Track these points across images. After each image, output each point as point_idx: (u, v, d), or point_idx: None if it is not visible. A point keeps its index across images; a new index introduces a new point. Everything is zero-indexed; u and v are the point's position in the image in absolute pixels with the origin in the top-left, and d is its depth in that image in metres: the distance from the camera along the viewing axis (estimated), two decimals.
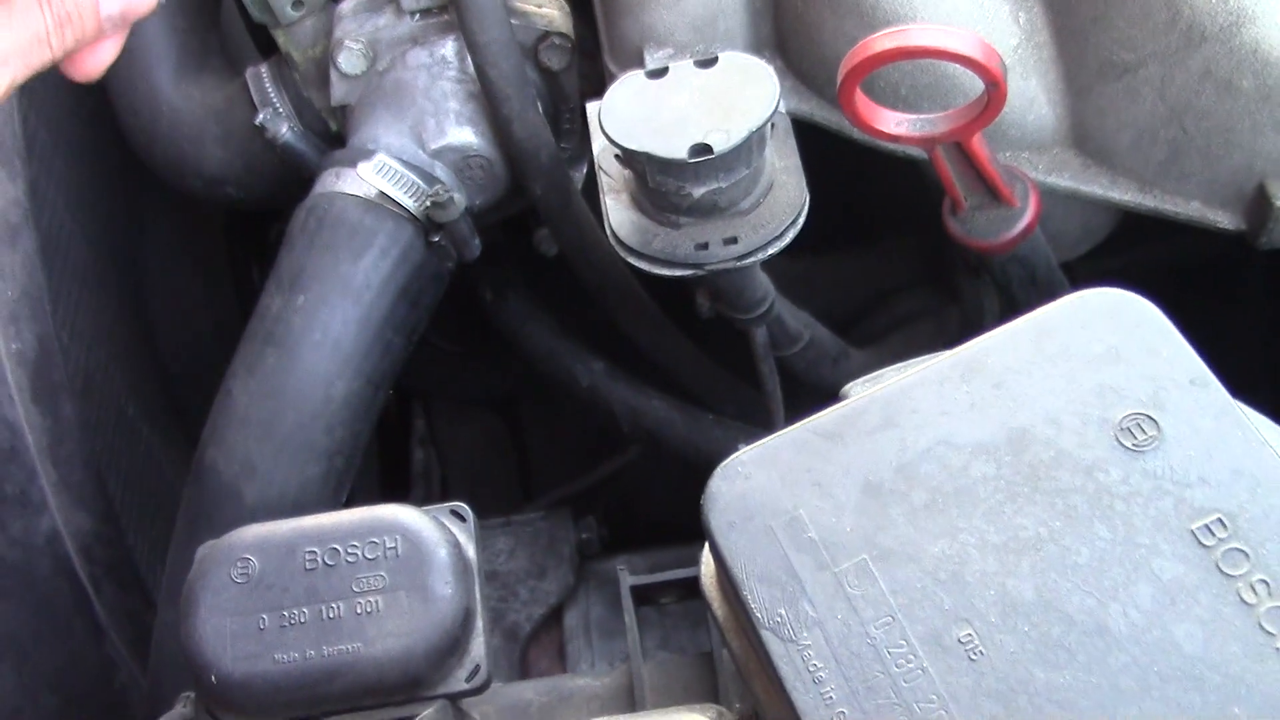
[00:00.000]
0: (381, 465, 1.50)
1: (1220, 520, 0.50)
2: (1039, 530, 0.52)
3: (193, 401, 1.46)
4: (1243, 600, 0.49)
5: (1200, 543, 0.50)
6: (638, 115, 0.78)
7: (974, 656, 0.49)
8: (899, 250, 1.26)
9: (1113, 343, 0.55)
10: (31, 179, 1.18)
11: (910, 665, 0.50)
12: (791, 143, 0.84)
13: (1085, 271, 1.16)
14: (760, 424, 1.12)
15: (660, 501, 1.44)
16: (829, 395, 1.17)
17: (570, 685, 0.83)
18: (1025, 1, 0.83)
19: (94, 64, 0.71)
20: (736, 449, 1.06)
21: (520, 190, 1.08)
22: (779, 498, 0.54)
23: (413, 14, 1.07)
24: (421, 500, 1.48)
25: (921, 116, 0.78)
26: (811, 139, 0.93)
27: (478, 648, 0.75)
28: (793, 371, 1.08)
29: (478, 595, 0.76)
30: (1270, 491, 0.51)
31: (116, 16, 0.68)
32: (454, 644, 0.73)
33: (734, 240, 0.80)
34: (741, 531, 0.54)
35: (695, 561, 1.20)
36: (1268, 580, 0.49)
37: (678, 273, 0.81)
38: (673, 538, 1.24)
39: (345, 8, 1.11)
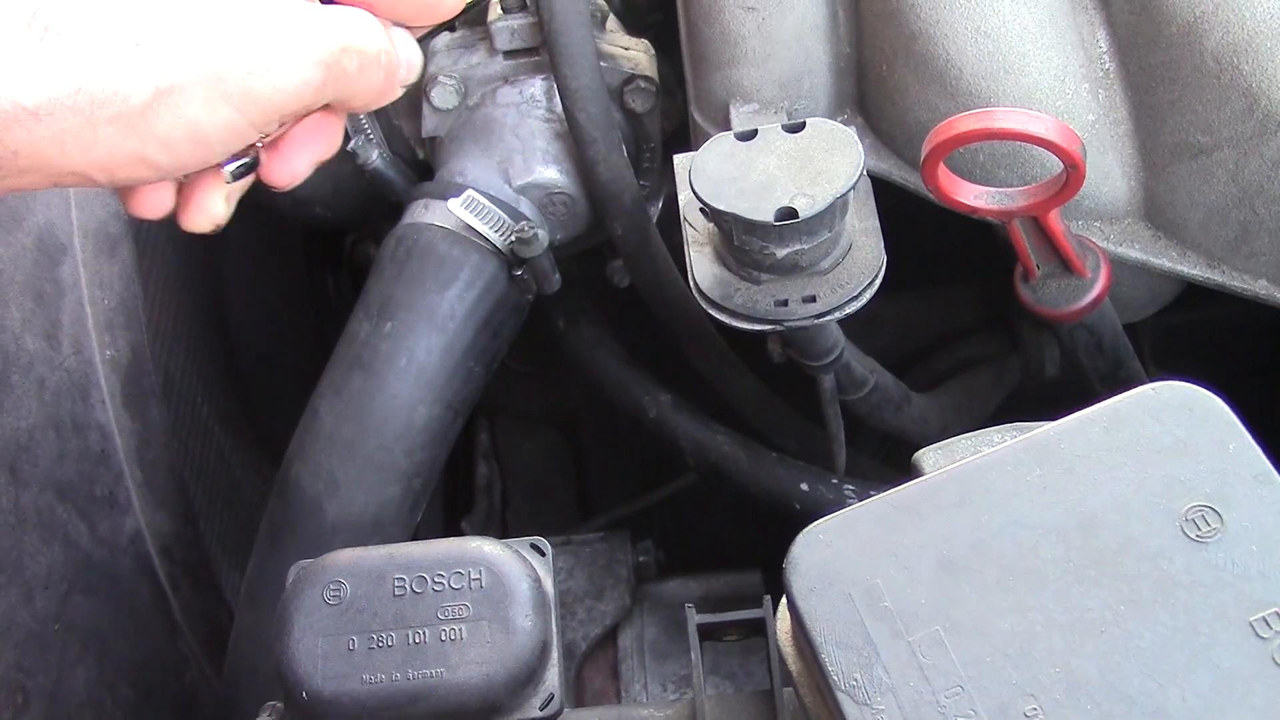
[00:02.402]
0: (445, 477, 1.54)
1: (1278, 614, 0.53)
2: (1104, 613, 0.55)
3: (263, 403, 1.51)
4: None
5: (1258, 634, 0.53)
6: (726, 176, 0.81)
7: None
8: (964, 295, 1.29)
9: (1181, 435, 0.58)
10: None
11: None
12: (871, 204, 0.87)
13: (1150, 326, 1.19)
14: (821, 461, 1.15)
15: (717, 525, 1.47)
16: (889, 436, 1.21)
17: (635, 714, 0.87)
18: (1105, 80, 0.86)
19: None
20: (799, 488, 1.11)
21: (600, 226, 1.12)
22: (857, 567, 0.58)
23: (505, 54, 1.12)
24: (486, 511, 1.53)
25: (1000, 190, 0.81)
26: (888, 185, 0.96)
27: (552, 677, 0.79)
28: (856, 415, 1.11)
29: (554, 628, 0.80)
30: None
31: (405, 75, 0.65)
32: (531, 674, 0.77)
33: (813, 299, 0.83)
34: (821, 597, 0.57)
35: (749, 587, 1.24)
36: None
37: (757, 327, 0.84)
38: (728, 562, 1.27)
39: (439, 44, 1.15)
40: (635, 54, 1.13)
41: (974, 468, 0.60)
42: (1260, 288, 0.87)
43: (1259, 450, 0.58)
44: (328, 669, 0.75)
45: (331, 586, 0.78)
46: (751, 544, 1.18)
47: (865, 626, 0.56)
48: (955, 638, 0.55)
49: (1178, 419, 0.59)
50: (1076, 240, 0.87)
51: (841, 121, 0.98)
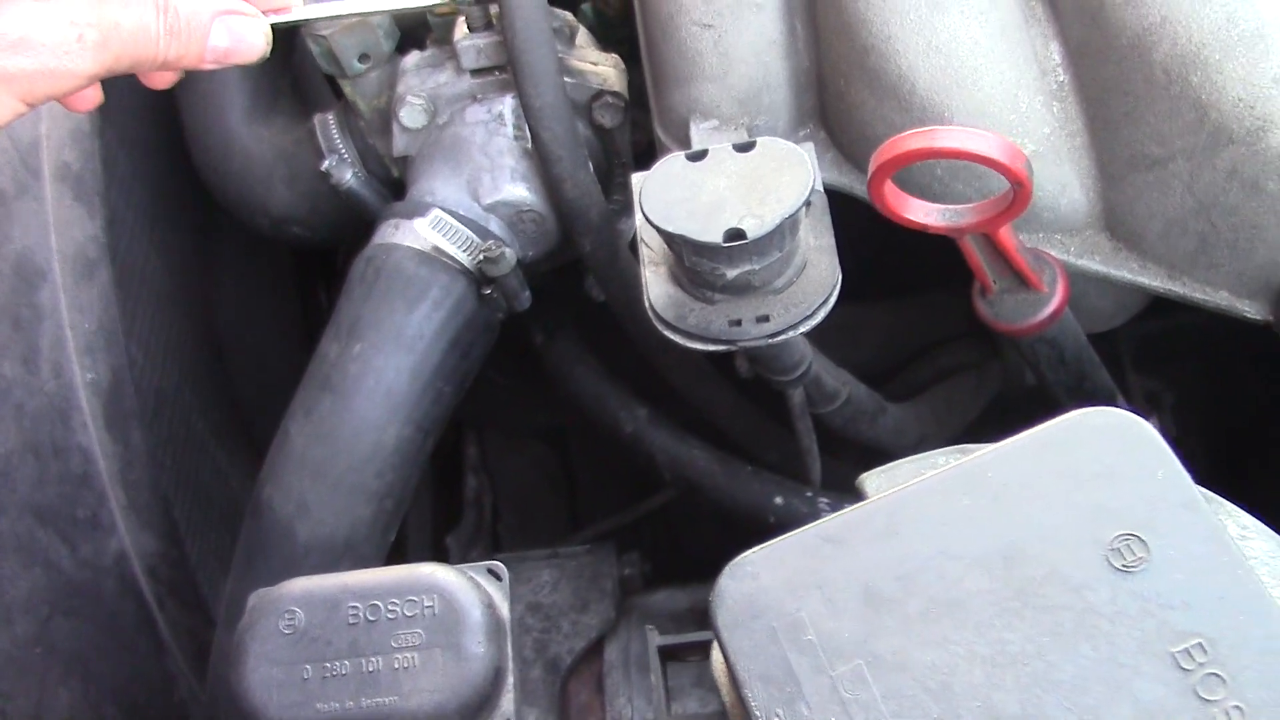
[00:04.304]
0: (435, 491, 1.55)
1: (1201, 645, 0.53)
2: (1026, 645, 0.54)
3: (258, 417, 1.52)
4: None
5: (1180, 666, 0.53)
6: (676, 197, 0.81)
7: None
8: (943, 303, 1.28)
9: (1110, 463, 0.58)
10: (111, 207, 1.23)
11: None
12: (827, 221, 0.86)
13: (1127, 333, 1.18)
14: (800, 473, 1.15)
15: (702, 536, 1.47)
16: (868, 448, 1.20)
17: None
18: (1059, 92, 0.85)
19: (165, 78, 0.79)
20: (774, 502, 1.10)
21: (571, 243, 1.12)
22: (783, 599, 0.58)
23: (472, 72, 1.11)
24: (474, 525, 1.53)
25: (949, 208, 0.80)
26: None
27: (507, 703, 0.79)
28: (831, 427, 1.11)
29: (509, 653, 0.80)
30: (1249, 619, 0.53)
31: (221, 51, 0.75)
32: (484, 700, 0.77)
33: (766, 318, 0.83)
34: (746, 631, 0.57)
35: None
36: (1242, 706, 0.51)
37: (711, 348, 0.84)
38: (717, 573, 1.27)
39: (408, 63, 1.15)
40: (604, 69, 1.13)
41: (901, 497, 0.59)
42: (1222, 299, 0.86)
43: (1187, 477, 0.57)
44: (282, 698, 0.76)
45: (286, 615, 0.78)
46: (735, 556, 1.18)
47: (789, 660, 0.56)
48: (877, 672, 0.55)
49: (1107, 446, 0.58)
50: (1032, 254, 0.86)
51: (804, 135, 0.98)
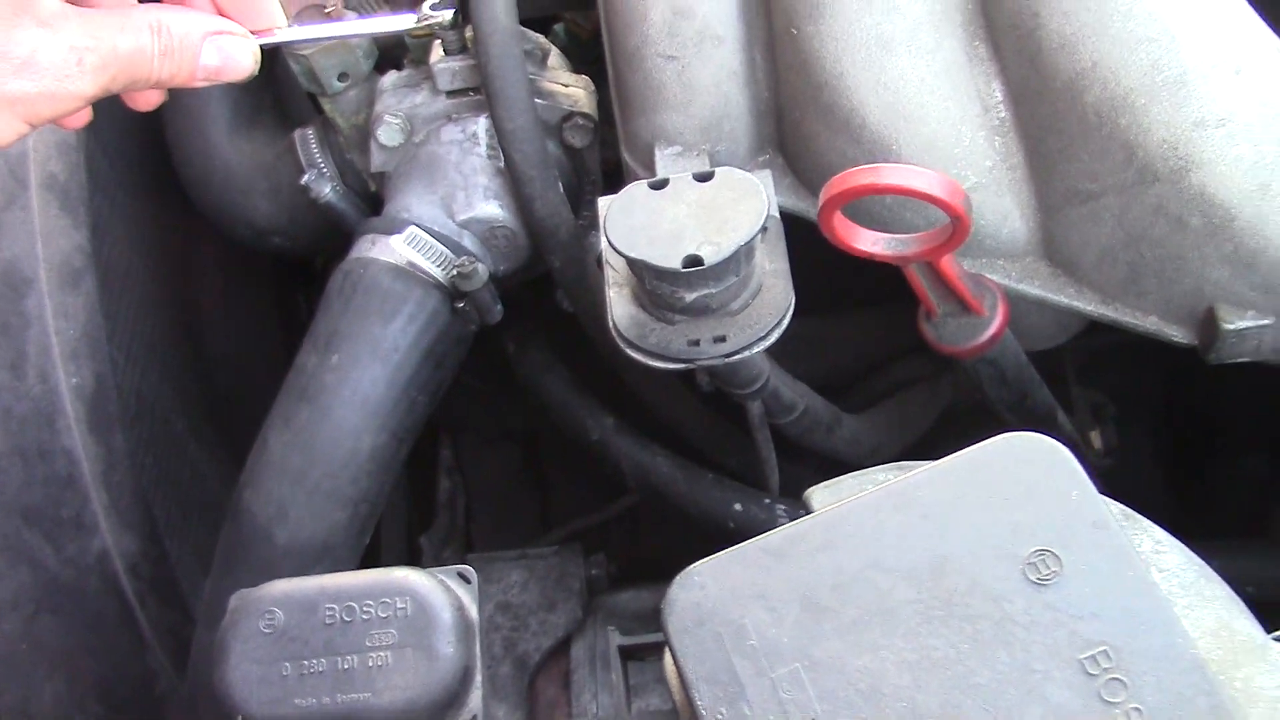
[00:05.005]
0: (410, 493, 1.59)
1: (1106, 652, 0.58)
2: (949, 652, 0.59)
3: (238, 418, 1.56)
4: None
5: (1087, 671, 0.58)
6: (638, 224, 0.85)
7: None
8: (898, 318, 1.33)
9: (1029, 484, 0.63)
10: (95, 215, 1.27)
11: None
12: (782, 246, 0.91)
13: (1071, 347, 1.23)
14: (759, 481, 1.20)
15: (667, 539, 1.52)
16: (825, 458, 1.25)
17: None
18: (1001, 128, 0.90)
19: (152, 98, 0.82)
20: (734, 509, 1.15)
21: (541, 258, 1.16)
22: (728, 608, 0.63)
23: (447, 93, 1.16)
24: (447, 526, 1.58)
25: (895, 237, 0.85)
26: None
27: (475, 701, 0.84)
28: (788, 437, 1.16)
29: (477, 653, 0.84)
30: (1150, 629, 0.58)
31: (213, 70, 0.78)
32: (453, 698, 0.82)
33: (723, 339, 0.88)
34: (693, 636, 0.62)
35: None
36: (1140, 708, 0.57)
37: (670, 366, 0.89)
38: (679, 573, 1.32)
39: (386, 82, 1.19)
40: (575, 91, 1.18)
41: (838, 514, 0.64)
42: (1151, 324, 0.91)
43: (1099, 498, 0.63)
44: (262, 694, 0.80)
45: (266, 616, 0.83)
46: (705, 556, 1.23)
47: (732, 664, 0.61)
48: (813, 674, 0.60)
49: (1027, 469, 0.63)
50: (974, 280, 0.91)
51: (763, 161, 1.03)
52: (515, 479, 1.64)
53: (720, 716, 0.60)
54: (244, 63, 0.80)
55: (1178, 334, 0.91)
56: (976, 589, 0.61)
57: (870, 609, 0.61)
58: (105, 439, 1.26)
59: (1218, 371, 1.18)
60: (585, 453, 1.28)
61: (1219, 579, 0.69)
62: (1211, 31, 0.81)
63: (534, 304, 1.34)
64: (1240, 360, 0.89)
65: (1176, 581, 0.69)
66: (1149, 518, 0.71)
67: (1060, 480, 0.63)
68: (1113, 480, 1.00)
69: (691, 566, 0.65)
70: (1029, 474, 0.63)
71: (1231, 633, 0.67)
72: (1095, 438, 1.20)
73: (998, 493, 0.63)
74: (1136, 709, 0.57)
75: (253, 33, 0.82)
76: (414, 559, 1.49)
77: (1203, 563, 0.70)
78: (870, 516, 0.64)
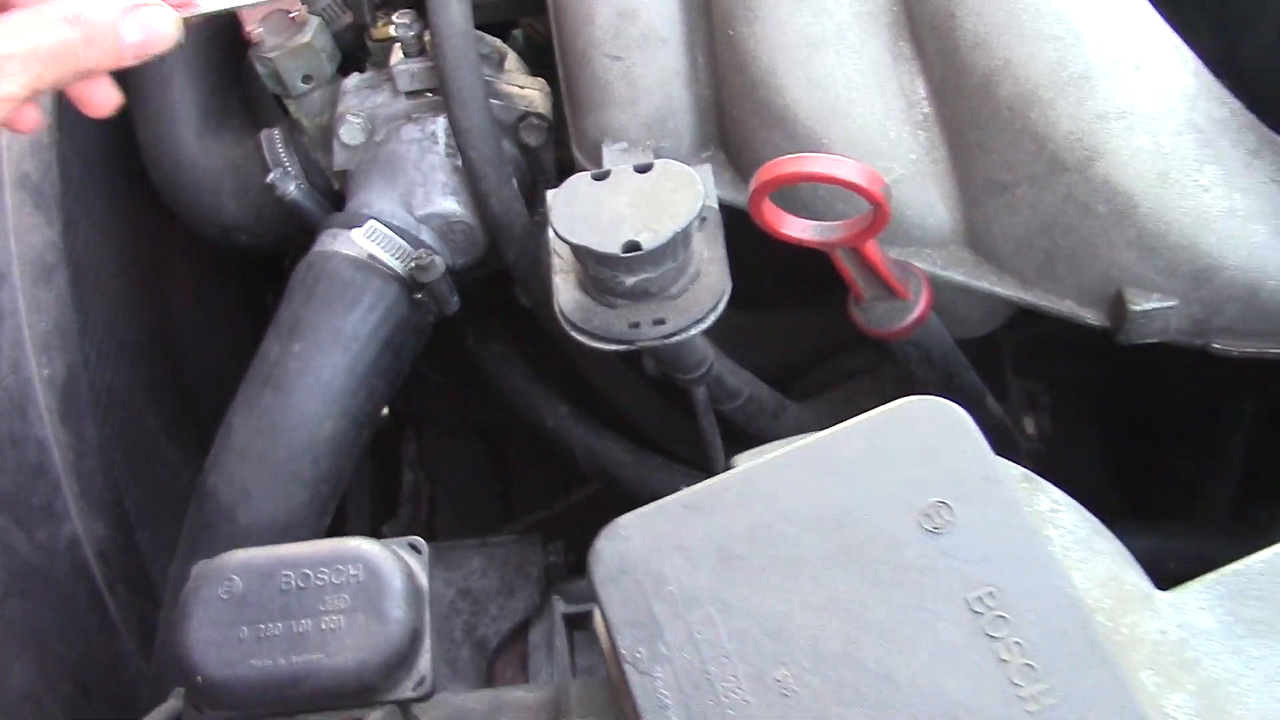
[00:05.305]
0: (376, 485, 1.64)
1: (991, 593, 0.63)
2: (849, 594, 0.64)
3: (207, 412, 1.60)
4: (1000, 659, 0.61)
5: (973, 610, 0.63)
6: (581, 213, 0.90)
7: (786, 694, 0.62)
8: (843, 311, 1.39)
9: (927, 442, 0.68)
10: (67, 213, 1.31)
11: (736, 697, 0.62)
12: (720, 236, 0.96)
13: (1015, 337, 1.29)
14: (706, 465, 1.25)
15: None
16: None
17: (507, 697, 0.96)
18: (925, 123, 0.96)
19: (104, 100, 0.83)
20: (680, 490, 1.20)
21: (497, 253, 1.21)
22: (649, 557, 0.67)
23: (407, 94, 1.21)
24: (410, 517, 1.62)
25: (821, 224, 0.91)
26: None
27: (424, 663, 0.88)
28: (733, 424, 1.21)
29: (426, 618, 0.88)
30: (1032, 571, 0.63)
31: (137, 45, 0.79)
32: (403, 659, 0.86)
33: (662, 321, 0.93)
34: (617, 584, 0.67)
35: None
36: (1020, 642, 0.62)
37: (612, 347, 0.94)
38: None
39: (348, 84, 1.25)
40: (530, 92, 1.23)
41: (752, 471, 0.69)
42: (1066, 307, 0.97)
43: (990, 453, 0.68)
44: (220, 656, 0.84)
45: (226, 583, 0.87)
46: None
47: (652, 608, 0.66)
48: (725, 617, 0.65)
49: (925, 429, 0.69)
50: (899, 266, 0.97)
51: (706, 157, 1.08)
52: (478, 471, 1.68)
53: (639, 655, 0.65)
54: (166, 31, 0.80)
55: (1091, 316, 0.96)
56: (876, 537, 0.66)
57: (778, 557, 0.66)
58: (77, 429, 1.30)
59: (1155, 362, 1.24)
60: (544, 443, 1.33)
61: (1111, 535, 0.75)
62: (1114, 29, 0.87)
63: (494, 299, 1.39)
64: (1149, 340, 0.94)
65: (1071, 537, 0.74)
66: (1087, 503, 0.76)
67: (956, 439, 0.68)
68: (1056, 467, 1.05)
69: (617, 520, 0.69)
70: (928, 433, 0.68)
71: (1120, 583, 0.73)
72: (1029, 423, 1.25)
73: (898, 450, 0.68)
74: (1017, 643, 0.62)
75: (175, 7, 0.82)
76: None
77: (1096, 521, 0.75)
78: (781, 472, 0.69)
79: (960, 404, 1.09)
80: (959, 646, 0.62)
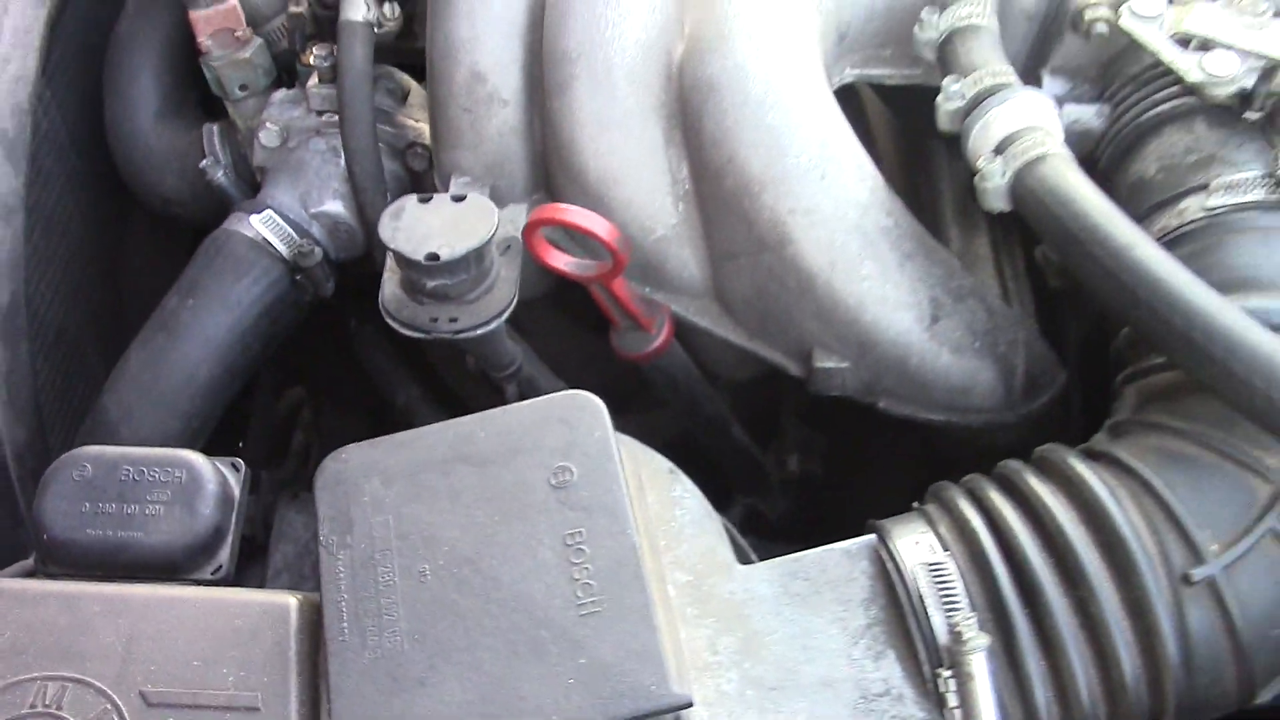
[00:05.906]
0: (275, 444, 1.88)
1: (581, 533, 0.88)
2: (485, 519, 0.89)
3: None
4: (573, 578, 0.86)
5: (566, 544, 0.88)
6: (402, 225, 1.16)
7: (423, 581, 0.87)
8: None
9: (569, 422, 0.93)
10: (39, 167, 1.56)
11: (389, 580, 0.88)
12: (517, 262, 1.21)
13: (787, 386, 1.52)
14: None
15: None
16: None
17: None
18: (686, 196, 1.21)
19: None
20: None
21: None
22: (356, 475, 0.93)
23: (318, 112, 1.48)
24: (293, 470, 1.86)
25: (578, 261, 1.16)
26: None
27: (224, 555, 1.12)
28: None
29: (233, 521, 1.13)
30: (613, 524, 0.88)
31: None
32: (205, 547, 1.10)
33: (455, 319, 1.18)
34: (330, 492, 0.92)
35: None
36: (590, 568, 0.86)
37: (414, 334, 1.19)
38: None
39: (275, 97, 1.51)
40: (421, 125, 1.49)
41: (450, 424, 0.95)
42: (778, 358, 1.22)
43: (610, 434, 0.93)
44: (65, 521, 1.08)
45: (79, 469, 1.11)
46: None
47: (349, 511, 0.91)
48: (397, 523, 0.90)
49: (570, 412, 0.94)
50: (646, 303, 1.22)
51: (536, 199, 1.34)
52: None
53: (332, 542, 0.90)
54: None
55: (794, 368, 1.22)
56: (519, 483, 0.91)
57: (446, 487, 0.91)
58: (12, 347, 1.54)
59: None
60: (397, 417, 1.59)
61: (718, 517, 1.00)
62: (811, 142, 1.12)
63: (376, 290, 1.64)
64: (834, 394, 1.19)
65: (689, 517, 0.99)
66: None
67: (588, 421, 0.93)
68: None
69: (342, 448, 0.95)
70: (570, 415, 0.94)
71: (714, 554, 0.98)
72: (792, 460, 1.50)
73: (549, 424, 0.94)
74: (587, 569, 0.87)
75: None
76: (254, 489, 1.77)
77: (709, 506, 1.00)
78: (467, 427, 0.94)
79: (705, 429, 1.35)
80: (548, 565, 0.87)
